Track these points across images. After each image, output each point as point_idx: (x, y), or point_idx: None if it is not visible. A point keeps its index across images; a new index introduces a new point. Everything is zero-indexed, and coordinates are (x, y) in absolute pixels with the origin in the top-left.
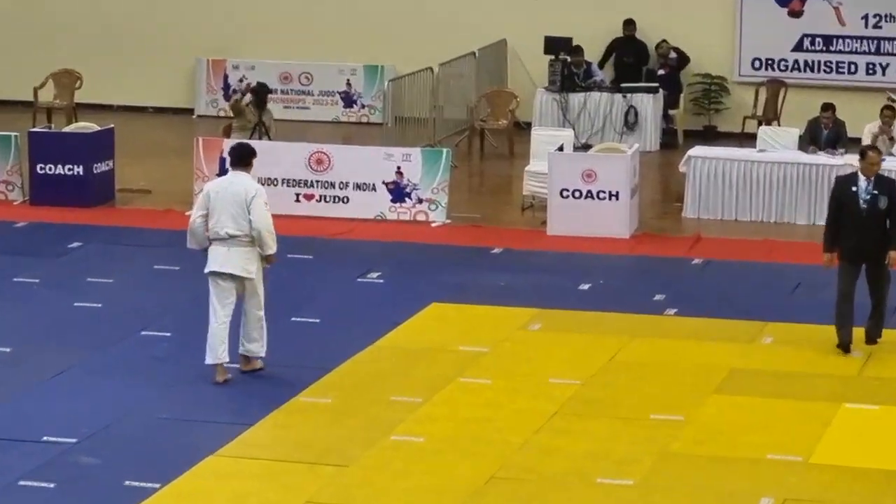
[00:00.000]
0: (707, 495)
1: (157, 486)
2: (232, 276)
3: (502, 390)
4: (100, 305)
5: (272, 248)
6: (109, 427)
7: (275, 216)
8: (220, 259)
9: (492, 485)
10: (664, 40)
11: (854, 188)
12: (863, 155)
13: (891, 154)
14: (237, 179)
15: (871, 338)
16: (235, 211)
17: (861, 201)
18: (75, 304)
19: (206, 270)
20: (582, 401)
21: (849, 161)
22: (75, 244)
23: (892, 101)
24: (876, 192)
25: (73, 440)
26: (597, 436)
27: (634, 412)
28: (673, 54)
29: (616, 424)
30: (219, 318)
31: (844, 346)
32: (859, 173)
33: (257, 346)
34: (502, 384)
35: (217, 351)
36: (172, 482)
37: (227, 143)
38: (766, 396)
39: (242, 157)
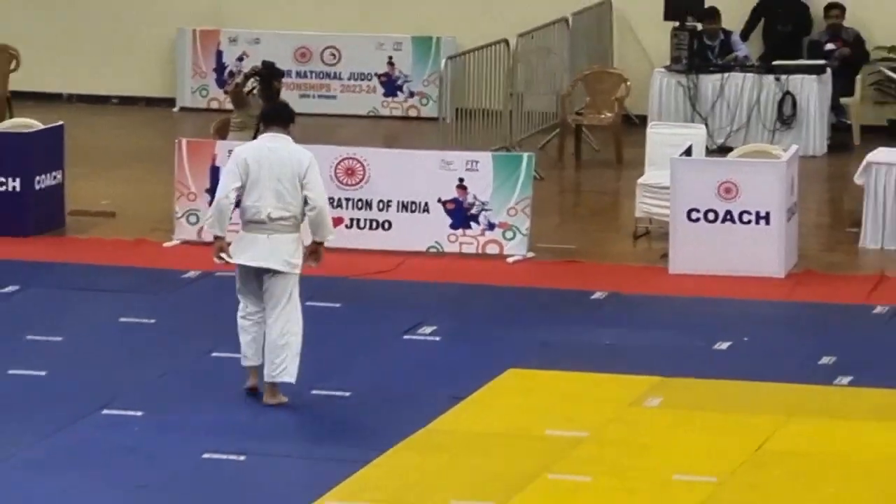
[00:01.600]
0: None
1: None
2: (272, 272)
3: (608, 491)
4: (44, 374)
5: (333, 232)
6: None
7: None
8: (261, 250)
9: None
10: (836, 4)
11: None
12: None
13: None
14: (279, 144)
15: None
16: (283, 186)
17: None
18: (10, 371)
19: (240, 262)
20: None
21: None
22: (10, 288)
23: None
24: None
25: None
26: None
27: None
28: (850, 33)
29: None
30: (248, 314)
31: None
32: None
33: (287, 372)
34: (608, 483)
35: (250, 352)
36: None
37: (221, 147)
38: None
39: (282, 116)
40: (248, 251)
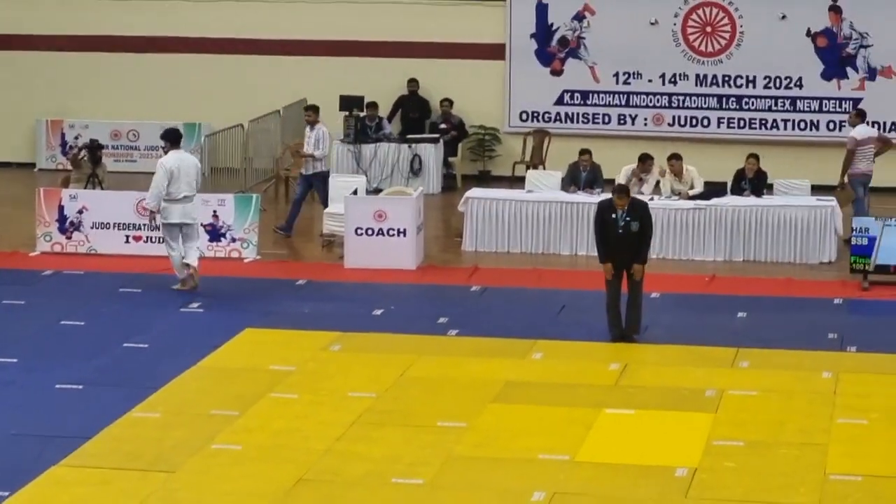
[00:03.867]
0: (487, 492)
1: (6, 493)
2: (183, 224)
3: (308, 404)
4: None
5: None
6: None
7: (107, 255)
8: (179, 213)
9: (300, 486)
10: (447, 99)
11: (613, 215)
12: (613, 192)
13: (641, 193)
14: (184, 156)
15: (629, 335)
16: (190, 178)
17: (618, 227)
18: None
19: (170, 221)
20: (377, 411)
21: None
22: None
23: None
24: (629, 218)
25: None
26: (391, 442)
27: (423, 420)
28: (455, 118)
29: (408, 431)
30: (176, 250)
31: (617, 340)
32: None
33: (195, 261)
34: (308, 398)
35: (181, 272)
36: (20, 490)
37: (65, 193)
38: (536, 404)
39: (179, 139)
40: (173, 215)
